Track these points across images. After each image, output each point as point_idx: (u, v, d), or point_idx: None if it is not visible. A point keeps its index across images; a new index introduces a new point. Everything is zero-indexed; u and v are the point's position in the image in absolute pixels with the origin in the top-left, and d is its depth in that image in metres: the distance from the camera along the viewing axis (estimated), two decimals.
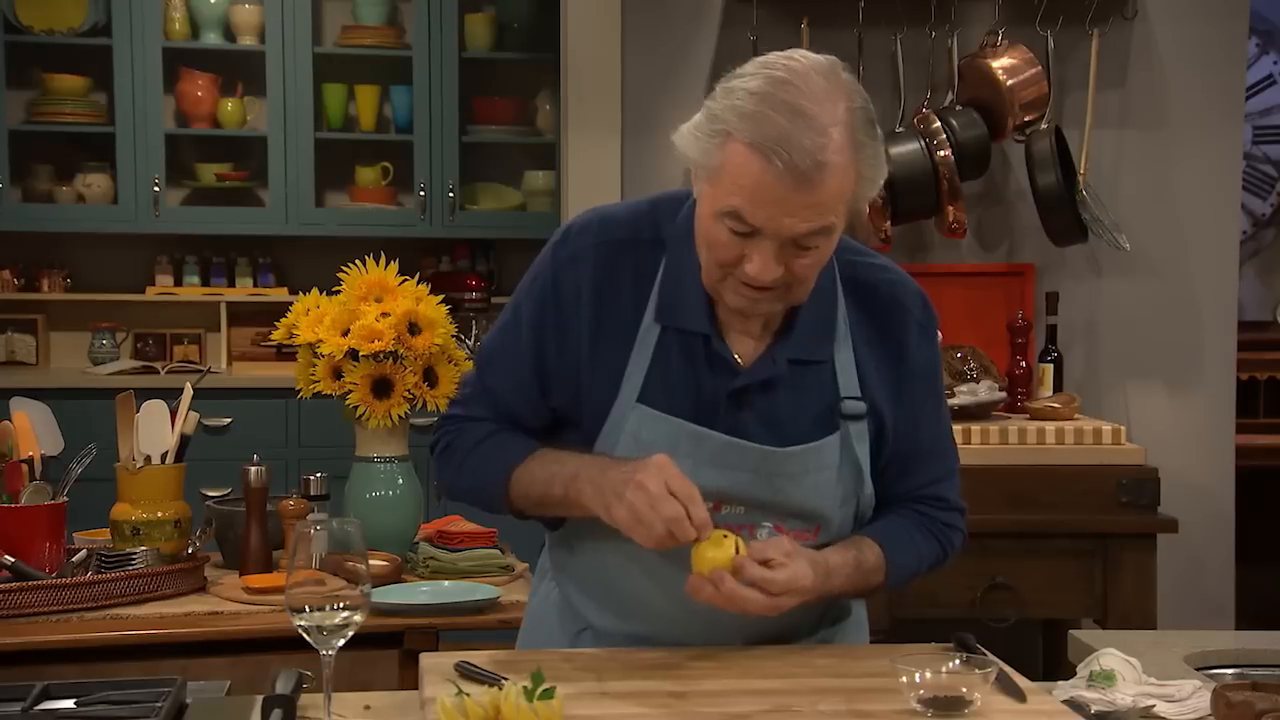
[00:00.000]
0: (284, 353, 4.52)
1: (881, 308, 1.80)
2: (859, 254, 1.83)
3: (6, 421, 2.54)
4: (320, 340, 2.61)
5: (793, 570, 1.66)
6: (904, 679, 1.59)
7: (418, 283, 2.69)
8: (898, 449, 1.81)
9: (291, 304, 2.73)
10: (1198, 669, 1.91)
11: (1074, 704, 1.66)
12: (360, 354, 2.59)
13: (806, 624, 1.86)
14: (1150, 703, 1.67)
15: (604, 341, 1.75)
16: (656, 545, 1.64)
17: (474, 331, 3.07)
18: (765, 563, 1.66)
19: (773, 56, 1.64)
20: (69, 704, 1.64)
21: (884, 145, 1.67)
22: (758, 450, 1.73)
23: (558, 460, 1.77)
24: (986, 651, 1.73)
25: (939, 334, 1.86)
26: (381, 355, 2.59)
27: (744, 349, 1.76)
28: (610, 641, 1.84)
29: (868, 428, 1.77)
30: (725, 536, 1.66)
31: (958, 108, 3.67)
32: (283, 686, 1.61)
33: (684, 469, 1.69)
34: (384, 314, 2.60)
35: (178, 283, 5.39)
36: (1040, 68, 3.64)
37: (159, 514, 2.48)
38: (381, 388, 2.62)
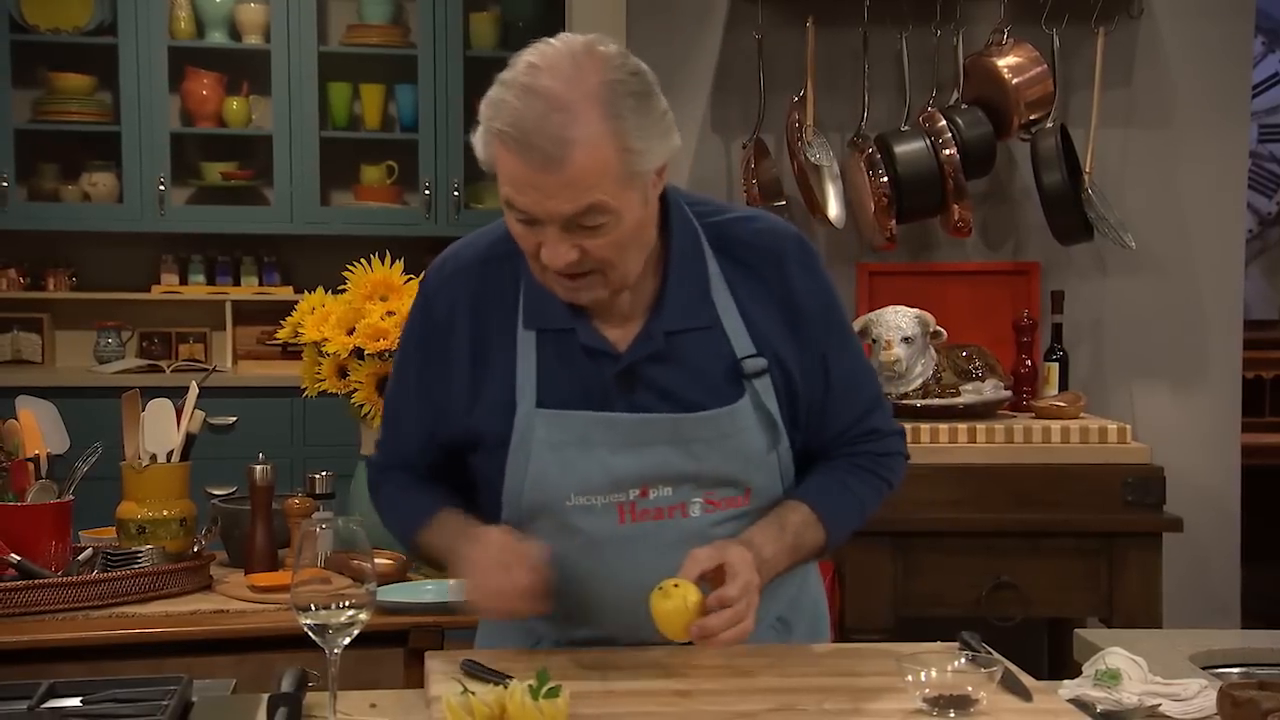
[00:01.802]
0: (289, 351, 4.50)
1: (756, 259, 1.78)
2: (720, 212, 1.82)
3: (12, 420, 2.55)
4: (325, 339, 2.61)
5: (736, 559, 1.66)
6: (909, 678, 1.59)
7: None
8: (812, 394, 1.80)
9: (297, 303, 2.73)
10: (1203, 668, 1.90)
11: (1080, 703, 1.65)
12: (365, 353, 2.59)
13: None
14: (1156, 702, 1.67)
15: (488, 360, 1.77)
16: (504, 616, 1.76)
17: None
18: (714, 576, 1.66)
19: (534, 43, 1.64)
20: (75, 702, 1.64)
21: (666, 116, 1.63)
22: (667, 420, 1.73)
23: (447, 535, 1.82)
24: (992, 650, 1.73)
25: (823, 269, 1.83)
26: (386, 354, 2.59)
27: (620, 333, 1.75)
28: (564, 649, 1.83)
29: (773, 382, 1.76)
30: (675, 586, 1.64)
31: (963, 106, 3.67)
32: (288, 685, 1.61)
33: (599, 459, 1.72)
34: (389, 313, 2.60)
35: (183, 281, 5.40)
36: (1046, 66, 3.64)
37: (164, 512, 2.48)
38: (386, 387, 2.62)
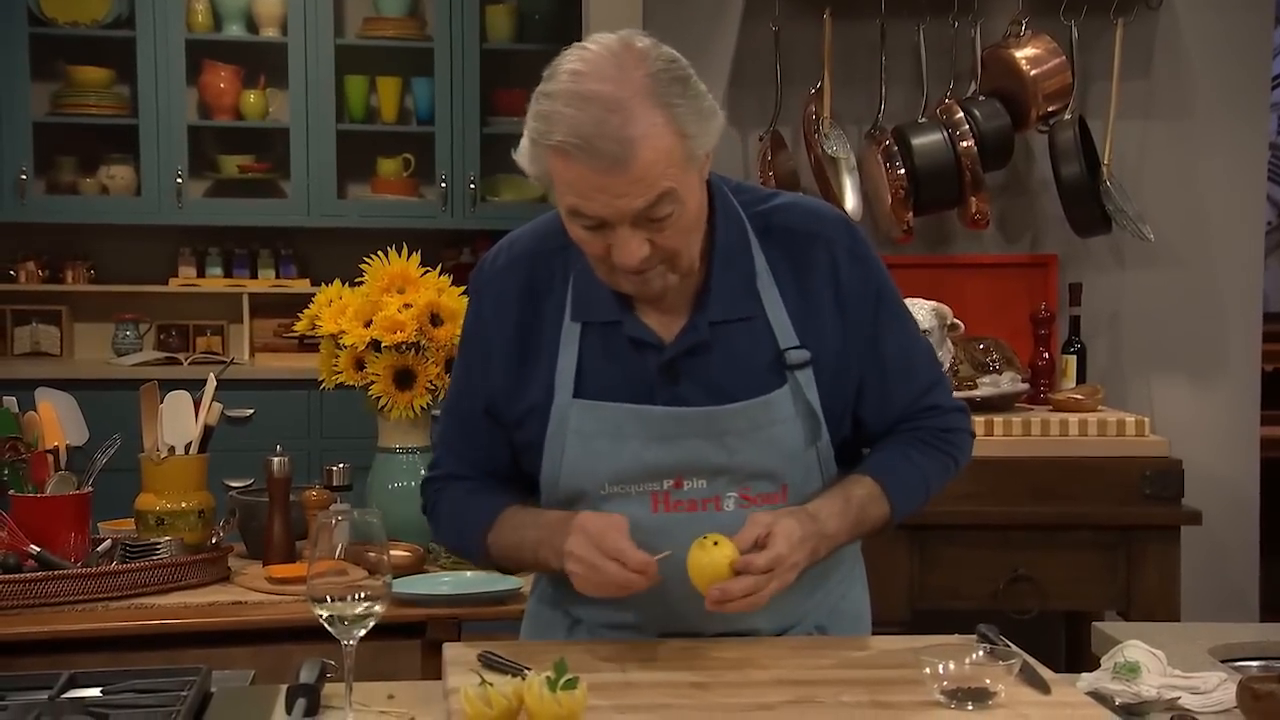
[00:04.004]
0: (306, 344, 4.54)
1: (802, 246, 1.78)
2: (765, 200, 1.81)
3: (32, 412, 2.56)
4: (343, 331, 2.62)
5: (779, 532, 1.65)
6: (927, 670, 1.58)
7: (439, 274, 2.69)
8: (868, 379, 1.80)
9: (314, 295, 2.74)
10: (1222, 661, 1.90)
11: (1098, 695, 1.65)
12: (382, 345, 2.60)
13: (795, 606, 1.84)
14: (1175, 695, 1.67)
15: (531, 350, 1.78)
16: (619, 596, 1.68)
17: None
18: (758, 543, 1.65)
19: (569, 50, 1.63)
20: (95, 692, 1.65)
21: (707, 97, 1.63)
22: (699, 413, 1.73)
23: (520, 526, 1.80)
24: (1010, 643, 1.73)
25: (871, 251, 1.82)
26: (404, 346, 2.60)
27: (665, 324, 1.75)
28: (600, 634, 1.84)
29: (815, 374, 1.75)
30: (715, 544, 1.64)
31: (981, 98, 3.66)
32: (307, 676, 1.61)
33: (632, 449, 1.72)
34: (406, 305, 2.60)
35: (200, 274, 5.41)
36: (1064, 58, 3.62)
37: (183, 504, 2.49)
38: (404, 379, 2.62)
